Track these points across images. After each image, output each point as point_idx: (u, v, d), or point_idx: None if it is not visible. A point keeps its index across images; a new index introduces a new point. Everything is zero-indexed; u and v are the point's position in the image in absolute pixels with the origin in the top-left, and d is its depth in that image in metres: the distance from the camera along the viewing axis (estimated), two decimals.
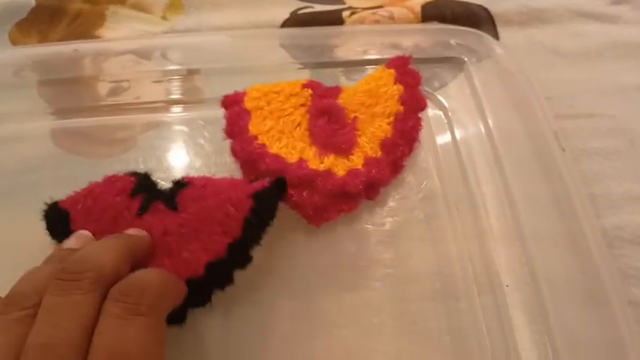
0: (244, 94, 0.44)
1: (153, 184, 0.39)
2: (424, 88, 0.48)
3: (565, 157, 0.44)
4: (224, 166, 0.45)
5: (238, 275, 0.37)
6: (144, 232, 0.36)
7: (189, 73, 0.51)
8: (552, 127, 0.45)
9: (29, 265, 0.32)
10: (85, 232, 0.36)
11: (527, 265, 0.41)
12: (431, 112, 0.48)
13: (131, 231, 0.36)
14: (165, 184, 0.39)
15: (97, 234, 0.37)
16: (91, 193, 0.38)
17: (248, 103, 0.43)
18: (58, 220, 0.38)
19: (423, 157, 0.46)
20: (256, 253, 0.37)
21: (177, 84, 0.51)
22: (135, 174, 0.39)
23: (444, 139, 0.47)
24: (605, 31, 0.55)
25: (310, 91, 0.44)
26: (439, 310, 0.40)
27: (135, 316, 0.28)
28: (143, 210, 0.37)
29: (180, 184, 0.38)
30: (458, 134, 0.47)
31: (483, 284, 0.41)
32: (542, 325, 0.38)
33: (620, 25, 0.55)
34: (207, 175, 0.40)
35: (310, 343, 0.39)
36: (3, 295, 0.30)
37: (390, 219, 0.44)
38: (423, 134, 0.46)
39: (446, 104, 0.49)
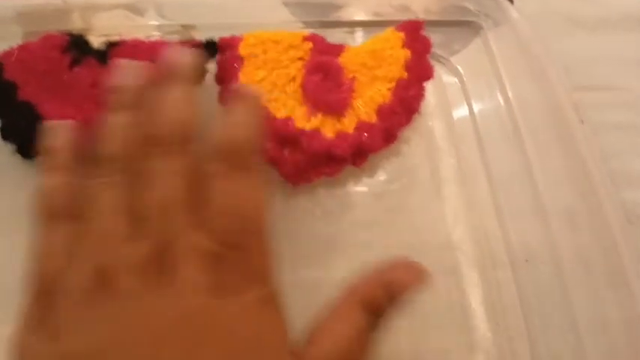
0: (241, 39, 0.41)
1: (86, 43, 0.41)
2: (438, 52, 0.46)
3: (584, 130, 0.42)
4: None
5: None
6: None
7: (185, 29, 0.48)
8: (571, 98, 0.43)
9: None
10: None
11: (546, 240, 0.39)
12: (445, 78, 0.46)
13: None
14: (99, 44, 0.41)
15: (29, 84, 0.39)
16: (25, 47, 0.40)
17: (243, 50, 0.41)
18: None
19: (436, 125, 0.44)
20: None
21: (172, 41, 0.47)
22: (70, 34, 0.41)
23: (458, 107, 0.45)
24: (626, 0, 0.52)
25: (311, 44, 0.42)
26: (450, 285, 0.39)
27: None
28: (75, 63, 0.40)
29: (112, 44, 0.41)
30: (473, 102, 0.45)
31: (500, 259, 0.39)
32: (561, 302, 0.37)
33: None
34: None
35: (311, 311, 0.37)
36: None
37: (401, 190, 0.42)
38: (436, 101, 0.44)
39: (461, 71, 0.47)
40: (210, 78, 0.41)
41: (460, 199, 0.41)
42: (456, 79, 0.47)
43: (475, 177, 0.42)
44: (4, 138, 0.39)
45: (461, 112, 0.45)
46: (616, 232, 0.38)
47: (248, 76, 0.40)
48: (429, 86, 0.44)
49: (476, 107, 0.45)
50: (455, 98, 0.46)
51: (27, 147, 0.39)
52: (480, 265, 0.39)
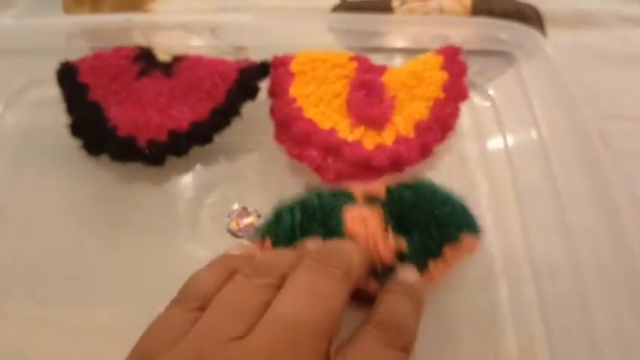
0: (292, 57, 0.45)
1: (153, 56, 0.45)
2: (473, 80, 0.48)
3: (609, 155, 0.44)
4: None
5: None
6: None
7: (237, 50, 0.51)
8: (598, 125, 0.45)
9: None
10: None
11: (569, 257, 0.40)
12: (479, 103, 0.49)
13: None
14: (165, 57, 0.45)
15: (99, 87, 0.43)
16: (98, 55, 0.45)
17: (294, 67, 0.44)
18: (67, 72, 0.44)
19: (468, 146, 0.47)
20: None
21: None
22: (139, 47, 0.45)
23: (491, 130, 0.48)
24: None
25: (356, 64, 0.45)
26: (479, 295, 0.40)
27: (392, 350, 0.28)
28: (142, 74, 0.44)
29: (177, 58, 0.45)
30: (505, 126, 0.47)
31: (524, 273, 0.41)
32: (581, 317, 0.38)
33: None
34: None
35: (345, 315, 0.38)
36: None
37: None
38: (470, 124, 0.47)
39: (494, 97, 0.49)
40: (264, 93, 0.44)
41: (490, 215, 0.43)
42: (489, 105, 0.49)
43: (504, 195, 0.44)
44: (74, 133, 0.43)
45: (493, 134, 0.47)
46: (637, 252, 0.39)
47: (297, 91, 0.43)
48: (464, 110, 0.47)
49: (507, 131, 0.47)
50: (488, 122, 0.48)
51: (93, 144, 0.43)
52: (507, 278, 0.41)
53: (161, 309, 0.38)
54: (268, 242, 0.36)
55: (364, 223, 0.35)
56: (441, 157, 0.45)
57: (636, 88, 0.52)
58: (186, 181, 0.45)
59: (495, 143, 0.47)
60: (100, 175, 0.44)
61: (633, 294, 0.38)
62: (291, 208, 0.36)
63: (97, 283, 0.40)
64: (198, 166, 0.45)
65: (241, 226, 0.41)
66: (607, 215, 0.41)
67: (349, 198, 0.37)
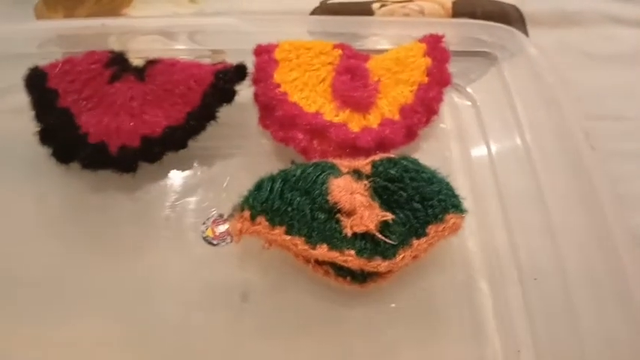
0: (276, 45, 0.45)
1: (126, 60, 0.44)
2: (455, 81, 0.48)
3: (594, 155, 0.43)
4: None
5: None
6: None
7: (215, 54, 0.51)
8: (582, 125, 0.45)
9: None
10: None
11: (554, 260, 0.40)
12: (461, 104, 0.49)
13: None
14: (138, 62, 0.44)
15: (70, 93, 0.42)
16: (69, 60, 0.43)
17: (278, 54, 0.45)
18: (35, 77, 0.42)
19: (451, 149, 0.47)
20: None
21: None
22: (111, 51, 0.44)
23: (473, 132, 0.47)
24: (637, 36, 0.55)
25: (340, 51, 0.46)
26: (462, 298, 0.40)
27: None
28: (114, 78, 0.43)
29: (151, 62, 0.44)
30: (487, 127, 0.47)
31: (510, 276, 0.40)
32: (567, 319, 0.38)
33: None
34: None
35: (327, 324, 0.39)
36: None
37: None
38: (452, 126, 0.47)
39: (476, 98, 0.49)
40: (240, 97, 0.44)
41: (473, 216, 0.41)
42: (471, 106, 0.49)
43: (487, 197, 0.44)
44: (42, 141, 0.42)
45: (475, 136, 0.47)
46: (623, 253, 0.39)
47: (282, 76, 0.44)
48: (446, 112, 0.47)
49: (489, 132, 0.47)
50: (470, 123, 0.48)
51: (62, 152, 0.42)
52: (491, 280, 0.40)
53: (135, 318, 0.37)
54: (247, 214, 0.35)
55: (350, 193, 0.35)
56: (423, 157, 0.44)
57: (620, 87, 0.51)
58: (160, 188, 0.44)
59: (478, 144, 0.47)
60: (70, 184, 0.43)
61: (619, 295, 0.38)
62: (271, 178, 0.36)
63: (69, 294, 0.39)
64: (172, 173, 0.44)
65: (217, 233, 0.40)
66: (592, 216, 0.41)
67: (334, 169, 0.37)
